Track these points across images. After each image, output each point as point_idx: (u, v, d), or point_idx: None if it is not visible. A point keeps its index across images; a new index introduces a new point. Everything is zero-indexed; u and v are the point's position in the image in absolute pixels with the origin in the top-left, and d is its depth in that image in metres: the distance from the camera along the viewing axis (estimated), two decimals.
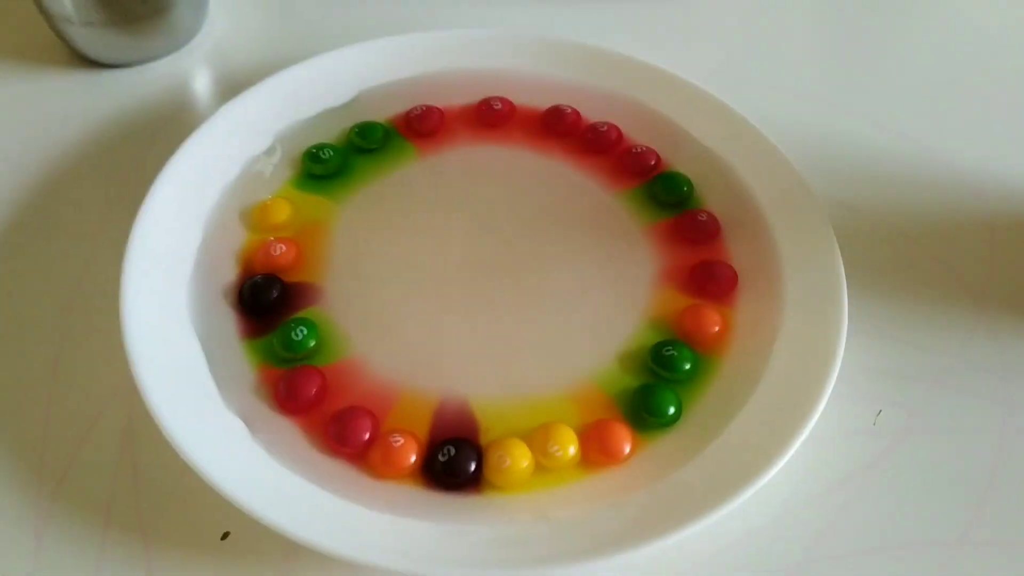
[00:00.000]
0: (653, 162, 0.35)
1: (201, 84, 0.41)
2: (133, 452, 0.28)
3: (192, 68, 0.41)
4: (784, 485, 0.27)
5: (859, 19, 0.46)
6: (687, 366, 0.29)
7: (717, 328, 0.30)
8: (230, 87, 0.40)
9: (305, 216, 0.33)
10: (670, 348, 0.29)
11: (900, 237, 0.35)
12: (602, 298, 0.31)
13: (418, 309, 0.31)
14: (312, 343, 0.29)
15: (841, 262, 0.30)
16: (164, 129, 0.38)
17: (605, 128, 0.36)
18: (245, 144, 0.35)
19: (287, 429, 0.27)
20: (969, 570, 0.26)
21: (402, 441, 0.26)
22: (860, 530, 0.27)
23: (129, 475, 0.27)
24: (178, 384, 0.27)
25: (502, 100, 0.37)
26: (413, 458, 0.26)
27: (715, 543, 0.26)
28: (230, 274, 0.31)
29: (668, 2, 0.46)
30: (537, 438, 0.27)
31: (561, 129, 0.37)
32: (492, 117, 0.37)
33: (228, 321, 0.30)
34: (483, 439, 0.27)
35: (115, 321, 0.28)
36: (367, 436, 0.27)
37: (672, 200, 0.34)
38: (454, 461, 0.26)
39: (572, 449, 0.27)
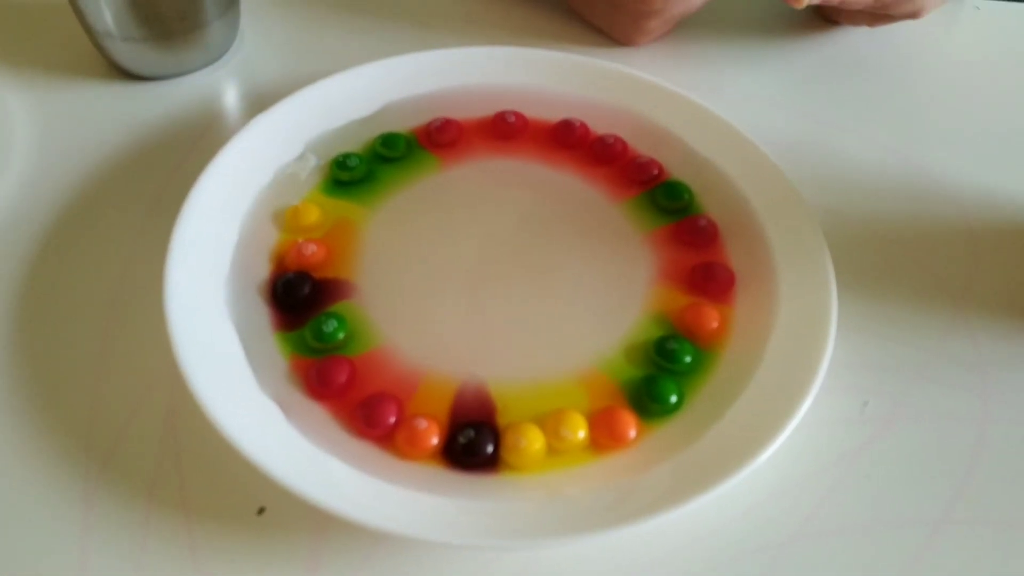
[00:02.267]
0: (656, 171, 0.37)
1: (232, 97, 0.42)
2: (175, 434, 0.29)
3: (224, 81, 0.43)
4: (778, 468, 0.29)
5: (848, 43, 0.48)
6: (688, 359, 0.30)
7: (716, 324, 0.32)
8: (259, 99, 0.42)
9: (333, 219, 0.35)
10: (672, 342, 0.31)
11: (885, 242, 0.36)
12: (606, 294, 0.33)
13: (441, 303, 0.33)
14: (342, 335, 0.31)
15: (831, 264, 0.32)
16: (198, 138, 0.40)
17: (611, 140, 0.38)
18: (277, 152, 0.37)
19: (318, 413, 0.29)
20: (949, 547, 0.27)
21: (425, 424, 0.28)
22: (848, 510, 0.28)
23: (171, 455, 0.29)
24: (217, 370, 0.29)
25: (515, 114, 0.39)
26: (435, 440, 0.28)
27: (713, 520, 0.28)
28: (263, 271, 0.33)
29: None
30: (550, 422, 0.29)
31: (570, 141, 0.39)
32: (506, 129, 0.39)
33: (262, 314, 0.32)
34: (500, 419, 0.29)
35: (157, 313, 0.29)
36: (393, 420, 0.29)
37: (674, 207, 0.36)
38: (473, 443, 0.28)
39: (582, 433, 0.28)
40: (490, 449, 0.28)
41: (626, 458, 0.28)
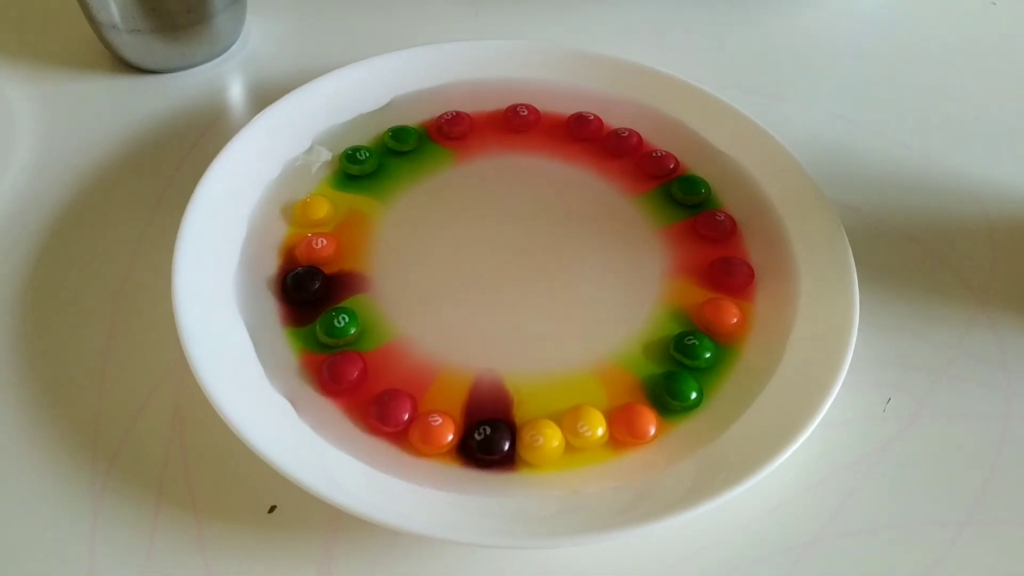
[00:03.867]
0: (672, 165, 0.37)
1: (238, 90, 0.42)
2: (183, 431, 0.29)
3: (230, 74, 0.43)
4: (799, 467, 0.28)
5: (867, 38, 0.48)
6: (708, 355, 0.30)
7: (736, 320, 0.31)
8: (265, 93, 0.41)
9: (343, 213, 0.35)
10: (692, 338, 0.30)
11: (905, 237, 0.36)
12: (622, 287, 0.33)
13: (455, 296, 0.32)
14: (353, 330, 0.30)
15: (852, 260, 0.31)
16: (205, 132, 0.39)
17: (626, 134, 0.38)
18: (285, 145, 0.36)
19: (330, 410, 0.28)
20: (973, 548, 0.27)
21: (440, 421, 0.28)
22: (870, 510, 0.28)
23: (179, 453, 0.28)
24: (227, 366, 0.28)
25: (528, 107, 0.39)
26: (450, 437, 0.28)
27: (734, 520, 0.27)
28: (272, 266, 0.32)
29: (687, 16, 0.48)
30: (567, 419, 0.28)
31: (584, 134, 0.38)
32: (519, 123, 0.38)
33: (271, 309, 0.31)
34: (516, 413, 0.29)
35: (165, 307, 0.29)
36: (407, 416, 0.28)
37: (691, 201, 0.35)
38: (489, 439, 0.27)
39: (600, 430, 0.28)
40: (506, 446, 0.28)
41: (645, 456, 0.28)
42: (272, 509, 0.27)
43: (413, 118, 0.39)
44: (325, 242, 0.33)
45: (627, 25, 0.47)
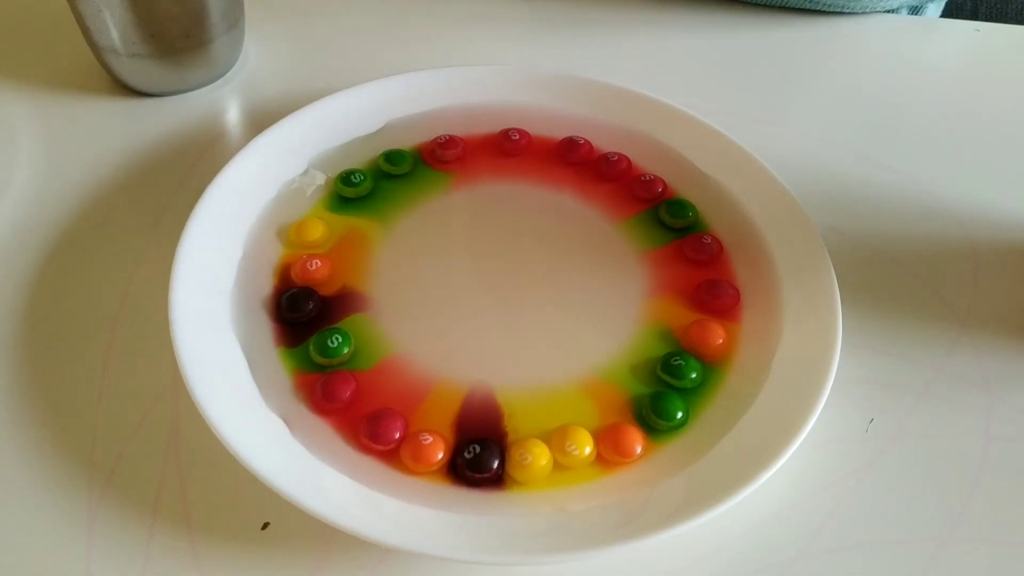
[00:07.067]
0: (660, 189, 0.37)
1: (236, 113, 0.43)
2: (178, 449, 0.29)
3: (227, 98, 0.43)
4: (783, 486, 0.29)
5: (851, 63, 0.49)
6: (694, 375, 0.30)
7: (721, 341, 0.32)
8: (262, 116, 0.42)
9: (338, 234, 0.35)
10: (678, 359, 0.31)
11: (889, 261, 0.37)
12: (609, 306, 0.33)
13: (449, 314, 0.33)
14: (346, 350, 0.31)
15: (836, 283, 0.32)
16: (202, 154, 0.40)
17: (616, 158, 0.38)
18: (281, 168, 0.37)
19: (323, 428, 0.29)
20: (955, 565, 0.27)
21: (431, 440, 0.28)
22: (853, 528, 0.28)
23: (175, 470, 0.28)
24: (222, 385, 0.28)
25: (520, 131, 0.39)
26: (440, 455, 0.28)
27: (719, 538, 0.28)
28: (267, 286, 0.33)
29: (676, 42, 0.49)
30: (555, 438, 0.29)
31: (574, 158, 0.39)
32: (510, 147, 0.39)
33: (266, 329, 0.32)
34: (506, 425, 0.29)
35: (162, 327, 0.29)
36: (397, 435, 0.28)
37: (679, 224, 0.36)
38: (479, 458, 0.28)
39: (588, 449, 0.28)
40: (495, 464, 0.28)
41: (632, 474, 0.28)
42: (265, 526, 0.27)
43: (407, 142, 0.39)
44: (319, 263, 0.33)
45: (617, 51, 0.48)
